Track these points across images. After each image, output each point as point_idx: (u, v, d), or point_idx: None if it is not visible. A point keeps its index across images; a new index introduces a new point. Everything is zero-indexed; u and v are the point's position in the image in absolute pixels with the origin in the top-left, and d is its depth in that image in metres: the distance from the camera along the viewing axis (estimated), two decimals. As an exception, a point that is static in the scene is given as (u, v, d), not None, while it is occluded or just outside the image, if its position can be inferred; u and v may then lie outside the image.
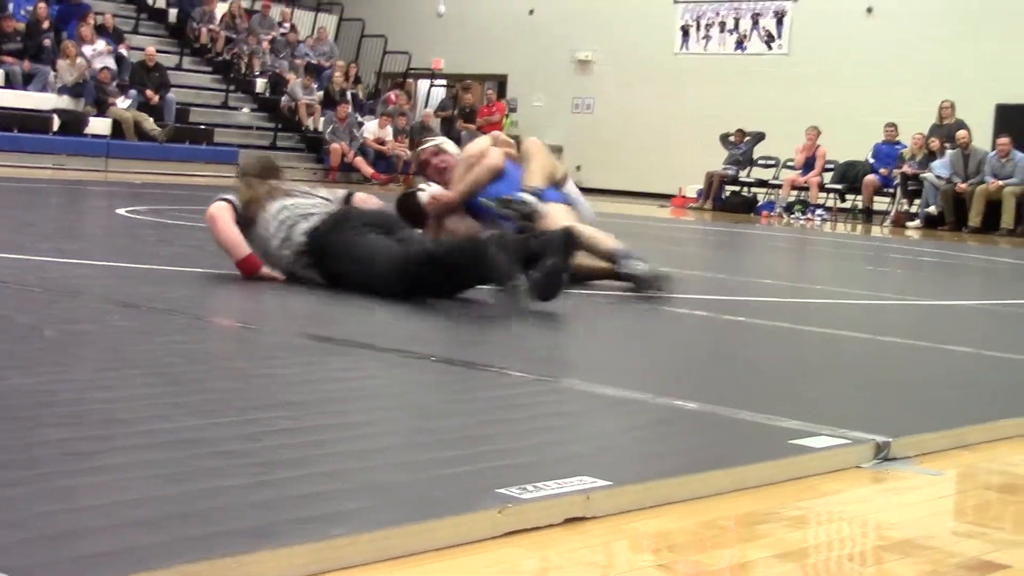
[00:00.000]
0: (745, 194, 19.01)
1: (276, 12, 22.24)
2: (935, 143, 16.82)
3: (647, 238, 10.79)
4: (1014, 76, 18.01)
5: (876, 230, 15.97)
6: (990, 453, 2.84)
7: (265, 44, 21.10)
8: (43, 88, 17.10)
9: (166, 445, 2.21)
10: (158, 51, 19.06)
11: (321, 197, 4.97)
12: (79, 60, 17.23)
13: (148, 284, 4.74)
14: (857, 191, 17.81)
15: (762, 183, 18.83)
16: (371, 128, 19.79)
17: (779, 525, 2.12)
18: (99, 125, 17.09)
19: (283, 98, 20.18)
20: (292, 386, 2.94)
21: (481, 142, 5.99)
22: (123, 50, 18.67)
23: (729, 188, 19.08)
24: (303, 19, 23.41)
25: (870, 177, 17.53)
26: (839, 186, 18.04)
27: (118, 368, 3.01)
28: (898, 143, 17.65)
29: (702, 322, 4.96)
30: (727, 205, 18.57)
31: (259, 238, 4.80)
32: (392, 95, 21.27)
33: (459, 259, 4.44)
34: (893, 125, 17.69)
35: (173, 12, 21.45)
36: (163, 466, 2.07)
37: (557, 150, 22.79)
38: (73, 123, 16.88)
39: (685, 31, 21.96)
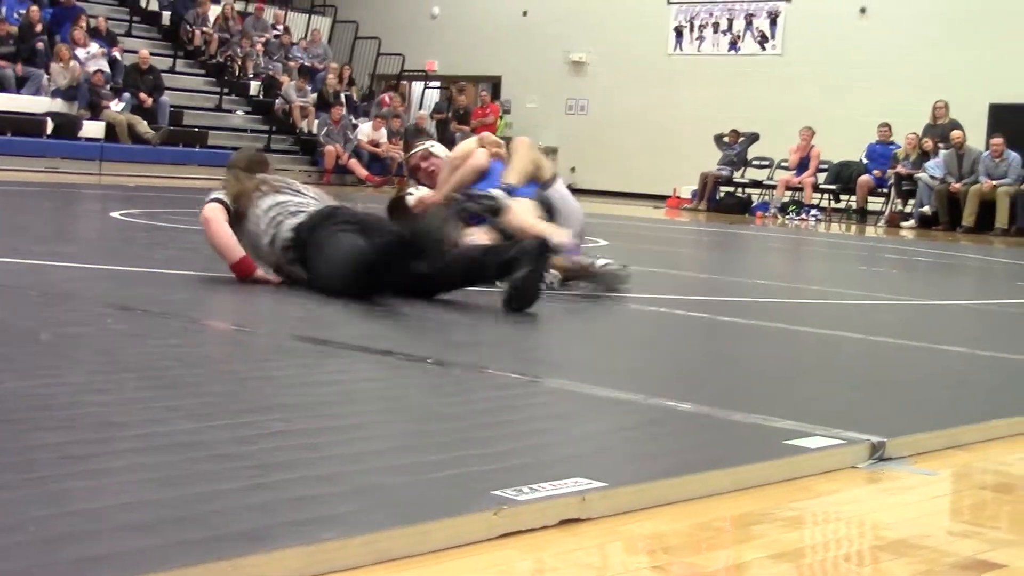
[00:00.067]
0: (739, 195, 19.01)
1: (269, 14, 22.23)
2: (928, 143, 16.83)
3: (642, 239, 10.79)
4: (1008, 76, 18.04)
5: (870, 230, 15.98)
6: (985, 453, 2.84)
7: (259, 46, 21.08)
8: (36, 91, 17.08)
9: (161, 448, 2.21)
10: (151, 54, 19.04)
11: (311, 196, 4.98)
12: (72, 63, 17.20)
13: (142, 287, 4.74)
14: (851, 191, 17.83)
15: (756, 184, 18.84)
16: (365, 130, 19.78)
17: (774, 526, 2.12)
18: (93, 128, 17.07)
19: (277, 100, 20.17)
20: (287, 389, 2.94)
21: (467, 144, 6.01)
22: (116, 53, 18.65)
23: (723, 189, 19.09)
24: (297, 21, 23.40)
25: (864, 177, 17.55)
26: (833, 186, 18.06)
27: (113, 371, 3.01)
28: (892, 143, 17.67)
29: (696, 323, 4.96)
30: (721, 206, 18.58)
31: (249, 233, 4.81)
32: (386, 97, 21.26)
33: (424, 242, 4.45)
34: (887, 125, 17.70)
35: (166, 15, 21.43)
36: (158, 469, 2.07)
37: (551, 151, 22.81)
38: (67, 126, 16.86)
39: (679, 32, 21.97)
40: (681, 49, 21.95)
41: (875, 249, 12.11)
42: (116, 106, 17.45)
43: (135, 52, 18.87)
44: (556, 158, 22.88)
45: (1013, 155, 16.01)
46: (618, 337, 4.47)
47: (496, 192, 5.46)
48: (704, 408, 2.90)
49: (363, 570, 1.73)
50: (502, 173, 5.61)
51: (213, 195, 4.86)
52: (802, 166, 18.09)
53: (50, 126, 16.74)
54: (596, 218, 12.96)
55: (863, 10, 19.97)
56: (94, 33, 18.45)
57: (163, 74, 18.95)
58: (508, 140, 6.00)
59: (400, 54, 22.81)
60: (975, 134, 17.05)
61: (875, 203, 17.66)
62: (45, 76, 17.19)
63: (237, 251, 4.74)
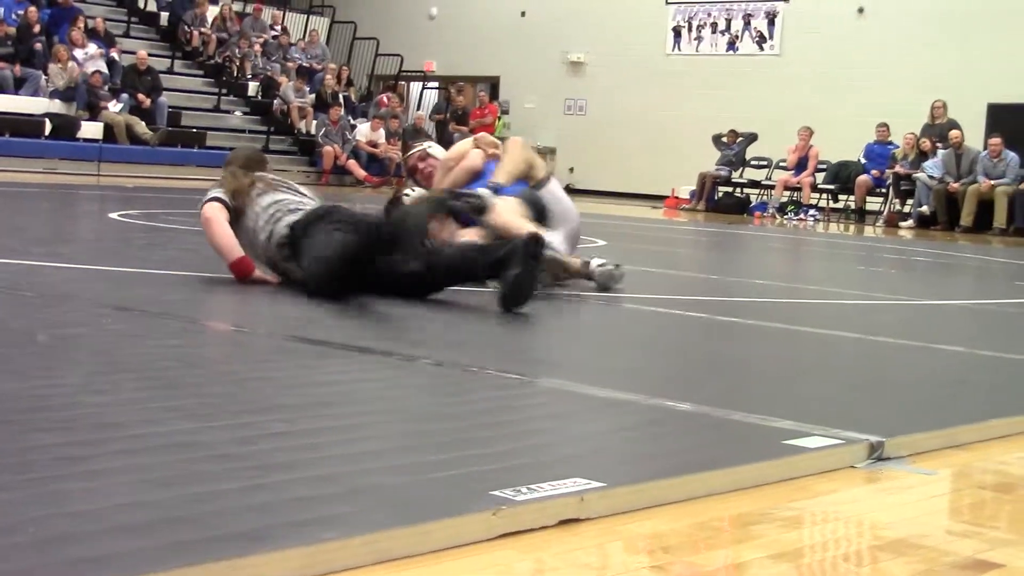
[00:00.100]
0: (738, 195, 19.02)
1: (267, 15, 22.24)
2: (926, 143, 16.84)
3: (640, 240, 10.80)
4: (1006, 75, 18.05)
5: (869, 230, 15.98)
6: (983, 452, 2.84)
7: (257, 47, 21.08)
8: (35, 92, 17.07)
9: (159, 449, 2.21)
10: (150, 55, 19.05)
11: (308, 197, 5.01)
12: (70, 64, 17.20)
13: (140, 288, 4.73)
14: (850, 191, 17.84)
15: (755, 184, 18.84)
16: (363, 131, 19.79)
17: (773, 526, 2.12)
18: (91, 129, 17.07)
19: (275, 101, 20.17)
20: (285, 389, 2.94)
21: (462, 144, 6.04)
22: (114, 54, 18.65)
23: (722, 189, 19.09)
24: (295, 22, 23.41)
25: (863, 177, 17.55)
26: (832, 186, 18.06)
27: (111, 372, 3.00)
28: (890, 143, 17.67)
29: (695, 323, 4.96)
30: (720, 206, 18.58)
31: (247, 230, 4.82)
32: (384, 97, 21.27)
33: (401, 229, 4.46)
34: (885, 125, 17.71)
35: (164, 15, 21.43)
36: (156, 470, 2.06)
37: (550, 151, 22.82)
38: (65, 127, 16.86)
39: (677, 32, 21.98)
40: (679, 49, 21.96)
41: (873, 249, 12.11)
42: (114, 107, 17.44)
43: (133, 53, 18.87)
44: (554, 158, 22.91)
45: (1011, 155, 16.02)
46: (617, 337, 4.47)
47: (482, 191, 5.47)
48: (703, 408, 2.90)
49: (362, 570, 1.73)
50: (493, 172, 5.63)
51: (211, 194, 4.86)
52: (800, 166, 18.10)
53: (48, 127, 16.74)
54: (594, 218, 12.97)
55: (861, 10, 19.99)
56: (92, 34, 18.45)
57: (161, 75, 18.96)
58: (506, 140, 6.01)
59: (398, 55, 22.82)
60: (973, 134, 17.07)
61: (873, 203, 17.67)
62: (43, 77, 17.19)
63: (237, 251, 4.74)
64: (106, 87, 17.60)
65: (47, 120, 16.77)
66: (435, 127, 21.93)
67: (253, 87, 20.67)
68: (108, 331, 3.68)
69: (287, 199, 4.88)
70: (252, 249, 4.80)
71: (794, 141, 18.23)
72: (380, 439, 2.49)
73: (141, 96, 17.89)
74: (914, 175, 16.70)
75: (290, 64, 21.18)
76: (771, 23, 21.02)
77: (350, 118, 20.23)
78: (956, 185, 16.11)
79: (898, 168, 17.00)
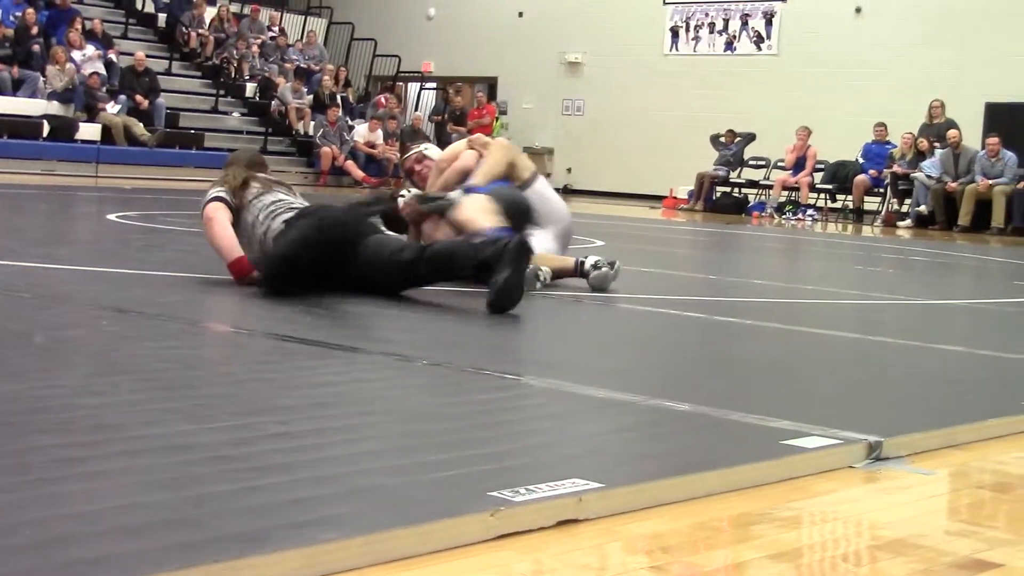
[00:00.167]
0: (736, 195, 19.02)
1: (265, 16, 22.22)
2: (924, 143, 16.84)
3: (638, 240, 10.80)
4: (1003, 75, 18.06)
5: (867, 230, 15.98)
6: (982, 452, 2.84)
7: (254, 48, 21.07)
8: (33, 94, 17.07)
9: (156, 451, 2.20)
10: (147, 56, 19.03)
11: (303, 201, 5.06)
12: (68, 66, 17.19)
13: (138, 289, 4.73)
14: (848, 191, 17.84)
15: (753, 184, 18.85)
16: (361, 132, 19.79)
17: (772, 526, 2.12)
18: (89, 130, 17.06)
19: (273, 102, 20.17)
20: (284, 390, 2.94)
21: (455, 146, 6.05)
22: (112, 55, 18.64)
23: (720, 189, 19.09)
24: (292, 23, 23.41)
25: (861, 177, 17.56)
26: (830, 186, 18.06)
27: (109, 374, 3.00)
28: (888, 143, 17.67)
29: (693, 323, 4.96)
30: (718, 206, 18.58)
31: (246, 225, 4.87)
32: (382, 98, 21.27)
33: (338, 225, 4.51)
34: (883, 125, 17.71)
35: (162, 17, 21.42)
36: (153, 472, 2.06)
37: (547, 152, 22.83)
38: (63, 129, 16.85)
39: (675, 32, 21.98)
40: (677, 49, 21.96)
41: (871, 249, 12.12)
42: (112, 108, 17.43)
43: (131, 54, 18.86)
44: (552, 159, 22.92)
45: (1009, 154, 16.02)
46: (615, 337, 4.47)
47: (453, 194, 5.50)
48: (701, 408, 2.90)
49: (361, 571, 1.73)
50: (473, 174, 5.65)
51: (213, 193, 4.89)
52: (798, 166, 18.10)
53: (46, 128, 16.73)
54: (592, 218, 12.97)
55: (858, 10, 19.99)
56: (90, 35, 18.45)
57: (159, 76, 18.95)
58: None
59: (396, 55, 22.82)
60: (971, 133, 17.07)
61: (871, 203, 17.67)
62: (41, 79, 17.17)
63: (236, 251, 4.76)
64: (104, 89, 17.60)
65: (45, 122, 16.76)
66: (434, 128, 21.93)
67: (251, 88, 20.66)
68: (106, 333, 3.68)
69: (285, 199, 4.93)
70: (250, 247, 4.82)
71: (792, 141, 18.23)
72: (378, 440, 2.49)
73: (139, 97, 17.88)
74: (912, 175, 16.70)
75: (288, 65, 21.18)
76: (769, 23, 21.03)
77: (348, 119, 20.22)
78: (954, 185, 16.11)
79: (896, 168, 17.00)
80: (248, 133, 19.94)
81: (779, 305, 5.87)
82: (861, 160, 17.84)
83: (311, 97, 20.52)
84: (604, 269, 5.40)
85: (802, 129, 18.16)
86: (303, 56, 21.81)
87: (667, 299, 5.69)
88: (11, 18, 17.98)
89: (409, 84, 24.22)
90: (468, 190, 5.53)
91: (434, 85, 23.96)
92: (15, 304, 4.10)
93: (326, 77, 20.83)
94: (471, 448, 2.38)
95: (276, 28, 22.22)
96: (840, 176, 17.97)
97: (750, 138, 18.98)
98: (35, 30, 17.73)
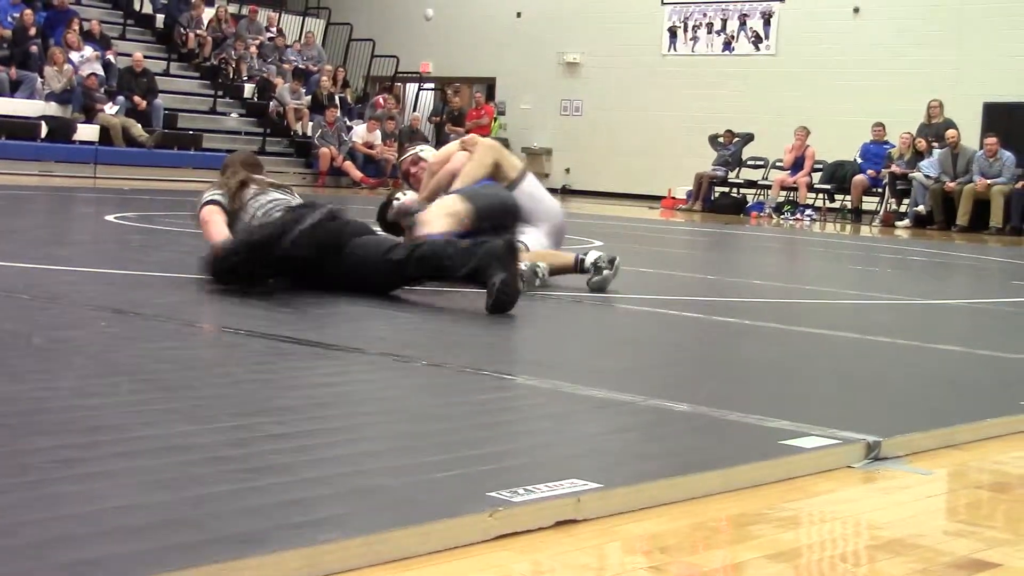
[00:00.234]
0: (734, 195, 19.02)
1: (263, 17, 22.21)
2: (922, 143, 16.85)
3: (637, 240, 10.80)
4: (1002, 75, 18.07)
5: (865, 230, 15.99)
6: (980, 452, 2.84)
7: (253, 49, 21.07)
8: (31, 95, 17.06)
9: (154, 452, 2.20)
10: (145, 57, 19.02)
11: (298, 198, 5.08)
12: (66, 66, 17.19)
13: (136, 290, 4.73)
14: (846, 191, 17.84)
15: (751, 184, 18.86)
16: (360, 132, 19.78)
17: (770, 526, 2.12)
18: (87, 131, 17.04)
19: (271, 103, 20.16)
20: (282, 391, 2.94)
21: (448, 147, 6.07)
22: (110, 56, 18.63)
23: (718, 189, 19.09)
24: (290, 24, 23.40)
25: (859, 177, 17.56)
26: (828, 186, 18.07)
27: (107, 375, 3.00)
28: (886, 143, 17.68)
29: (692, 323, 4.96)
30: (716, 206, 18.58)
31: (244, 224, 4.87)
32: (380, 99, 21.26)
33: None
34: (881, 125, 17.72)
35: (160, 18, 21.41)
36: (151, 473, 2.06)
37: (546, 152, 22.83)
38: (61, 129, 16.84)
39: (673, 32, 21.98)
40: (675, 50, 21.96)
41: (870, 249, 12.12)
42: (110, 109, 17.42)
43: (129, 55, 18.86)
44: (551, 159, 22.93)
45: (1007, 154, 16.02)
46: (613, 338, 4.47)
47: (417, 205, 5.56)
48: (700, 408, 2.90)
49: (359, 572, 1.73)
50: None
51: (208, 196, 4.92)
52: (797, 166, 18.10)
53: (44, 129, 16.72)
54: (591, 219, 12.97)
55: (856, 10, 19.99)
56: (88, 36, 18.43)
57: (157, 77, 18.94)
58: (504, 141, 6.03)
59: (394, 56, 22.81)
60: (969, 133, 17.07)
61: (870, 203, 17.67)
62: (39, 79, 17.17)
63: None
64: (102, 89, 17.59)
65: (43, 123, 16.75)
66: (433, 129, 21.93)
67: (249, 89, 20.65)
68: (105, 334, 3.68)
69: (282, 198, 4.95)
70: None
71: (790, 141, 18.23)
72: (378, 440, 2.49)
73: (137, 98, 17.87)
74: (910, 175, 16.70)
75: (286, 66, 21.17)
76: (767, 23, 21.03)
77: (346, 119, 20.22)
78: (952, 184, 16.12)
79: (894, 168, 17.01)
80: (246, 134, 19.94)
81: (777, 305, 5.87)
82: (859, 160, 17.84)
83: (309, 98, 20.51)
84: (605, 272, 5.40)
85: (800, 129, 18.17)
86: (301, 57, 21.81)
87: (666, 299, 5.69)
88: (9, 19, 17.97)
89: (407, 84, 24.21)
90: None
91: (432, 85, 23.96)
92: (14, 305, 4.10)
93: (324, 78, 20.82)
94: (470, 448, 2.38)
95: (274, 29, 22.21)
96: (838, 176, 17.98)
97: (748, 138, 18.98)
98: (33, 31, 17.73)
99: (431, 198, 5.66)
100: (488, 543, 1.89)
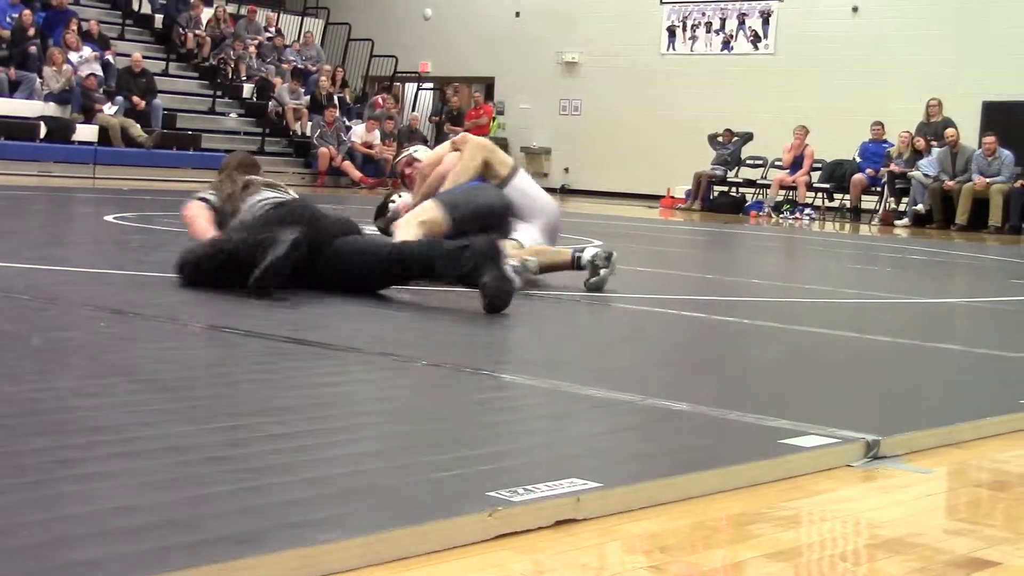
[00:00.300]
0: (733, 194, 19.02)
1: (262, 17, 22.20)
2: (921, 142, 16.85)
3: (636, 239, 10.79)
4: (1000, 73, 18.06)
5: (864, 229, 15.99)
6: (980, 450, 2.84)
7: (251, 49, 21.06)
8: (29, 95, 17.05)
9: (153, 452, 2.20)
10: (144, 57, 19.02)
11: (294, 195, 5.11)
12: (65, 67, 17.18)
13: (135, 290, 4.73)
14: (845, 190, 17.84)
15: (750, 183, 18.86)
16: (359, 132, 19.78)
17: (770, 525, 2.11)
18: (86, 132, 17.04)
19: (270, 103, 20.16)
20: (280, 391, 2.94)
21: (439, 149, 6.07)
22: (109, 56, 18.62)
23: (717, 188, 19.09)
24: (289, 23, 23.39)
25: (858, 176, 17.56)
26: (827, 185, 18.07)
27: (105, 375, 3.00)
28: (885, 142, 17.68)
29: (691, 322, 4.96)
30: (715, 205, 18.58)
31: (235, 224, 4.91)
32: (379, 99, 21.25)
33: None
34: (880, 124, 17.72)
35: (159, 18, 21.40)
36: (150, 473, 2.06)
37: (544, 152, 22.83)
38: (60, 130, 16.83)
39: (671, 32, 21.98)
40: (674, 49, 21.96)
41: (869, 248, 12.12)
42: (109, 109, 17.42)
43: (128, 55, 18.85)
44: (550, 159, 22.93)
45: (1006, 153, 16.03)
46: (612, 337, 4.47)
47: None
48: (699, 408, 2.90)
49: (359, 571, 1.73)
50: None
51: (198, 195, 4.98)
52: (796, 165, 18.10)
53: (43, 130, 16.71)
54: (590, 218, 12.97)
55: (855, 9, 19.99)
56: (86, 36, 18.43)
57: (156, 77, 18.93)
58: (501, 141, 6.03)
59: (393, 56, 22.81)
60: (968, 132, 17.08)
61: (869, 202, 17.68)
62: (38, 80, 17.16)
63: None
64: (101, 90, 17.58)
65: (42, 123, 16.75)
66: (433, 129, 21.92)
67: (248, 89, 20.65)
68: (102, 334, 3.67)
69: (275, 196, 4.99)
70: None
71: (789, 140, 18.23)
72: (376, 440, 2.48)
73: (136, 98, 17.87)
74: (909, 173, 16.70)
75: (285, 66, 21.17)
76: (765, 22, 21.03)
77: (345, 119, 20.22)
78: (951, 183, 16.12)
79: (893, 167, 17.01)
80: (245, 134, 19.93)
81: (777, 304, 5.87)
82: (858, 159, 17.85)
83: (308, 98, 20.51)
84: (602, 272, 5.38)
85: (799, 128, 18.17)
86: (300, 57, 21.81)
87: (665, 298, 5.69)
88: (8, 19, 17.97)
89: (406, 84, 24.21)
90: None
91: (431, 85, 23.95)
92: (12, 306, 4.10)
93: (323, 78, 20.82)
94: (469, 448, 2.38)
95: (273, 29, 22.20)
96: (837, 175, 17.98)
97: (747, 137, 18.98)
98: (32, 31, 17.72)
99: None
100: (487, 543, 1.89)
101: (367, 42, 23.16)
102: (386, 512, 1.91)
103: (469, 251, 4.43)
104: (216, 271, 4.59)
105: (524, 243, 5.48)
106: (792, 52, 20.50)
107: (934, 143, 16.76)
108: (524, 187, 5.79)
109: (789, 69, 20.40)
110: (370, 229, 6.10)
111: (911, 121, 17.32)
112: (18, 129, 16.55)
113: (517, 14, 23.43)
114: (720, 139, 19.11)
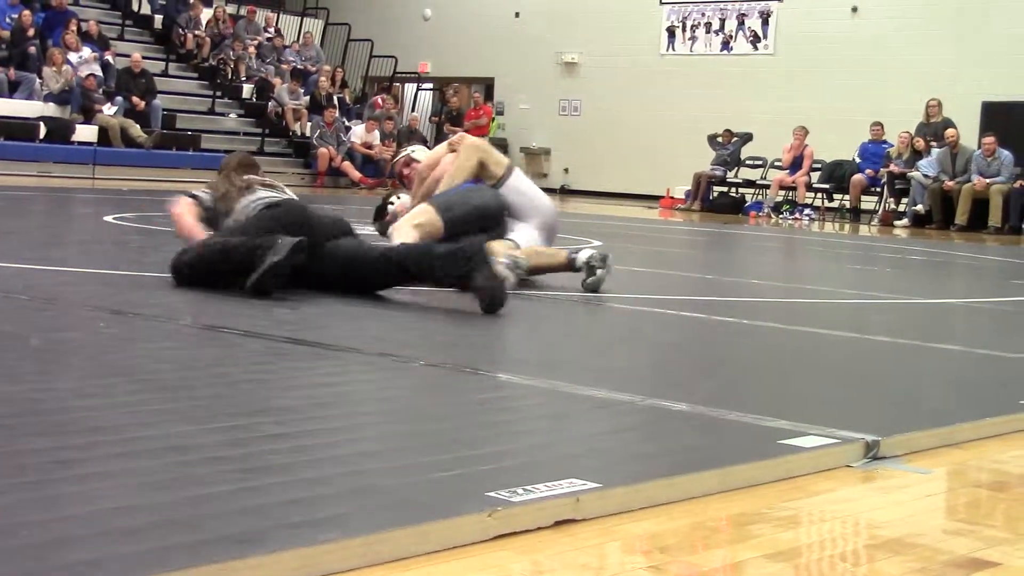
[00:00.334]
0: (733, 195, 19.02)
1: (261, 17, 22.19)
2: (920, 142, 16.85)
3: (635, 240, 10.79)
4: (1000, 74, 18.06)
5: (864, 229, 15.99)
6: (979, 451, 2.84)
7: (251, 49, 21.06)
8: (29, 96, 17.05)
9: (152, 452, 2.20)
10: (144, 57, 19.01)
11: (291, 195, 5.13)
12: (65, 67, 17.17)
13: (134, 291, 4.73)
14: (845, 190, 17.84)
15: (750, 183, 18.85)
16: (358, 132, 19.77)
17: (769, 525, 2.11)
18: (86, 132, 17.03)
19: (270, 103, 20.15)
20: (279, 391, 2.94)
21: (436, 150, 6.06)
22: (109, 57, 18.61)
23: (717, 189, 19.09)
24: (289, 24, 23.38)
25: (857, 176, 17.56)
26: (827, 186, 18.07)
27: (104, 375, 3.00)
28: (885, 142, 17.68)
29: (690, 323, 4.96)
30: (715, 206, 18.58)
31: (229, 224, 4.92)
32: (379, 99, 21.25)
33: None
34: (880, 124, 17.72)
35: (158, 18, 21.39)
36: (149, 473, 2.06)
37: (544, 152, 22.83)
38: (60, 130, 16.83)
39: (671, 32, 21.98)
40: (673, 49, 21.96)
41: (869, 248, 12.12)
42: (109, 110, 17.41)
43: (127, 56, 18.84)
44: (549, 159, 22.93)
45: (1005, 153, 16.03)
46: (612, 337, 4.47)
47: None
48: (698, 408, 2.90)
49: (358, 571, 1.73)
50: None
51: (189, 192, 5.03)
52: (795, 165, 18.09)
53: (43, 130, 16.70)
54: (589, 219, 12.97)
55: (855, 9, 19.99)
56: (86, 37, 18.42)
57: (155, 77, 18.93)
58: (501, 141, 6.04)
59: (393, 56, 22.80)
60: (968, 132, 17.07)
61: (868, 202, 17.67)
62: (37, 80, 17.15)
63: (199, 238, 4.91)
64: (100, 90, 17.58)
65: (41, 123, 16.74)
66: (433, 129, 21.91)
67: (247, 89, 20.64)
68: (102, 334, 3.67)
69: (271, 196, 5.01)
70: None
71: (789, 140, 18.22)
72: (376, 440, 2.48)
73: (135, 99, 17.86)
74: (909, 174, 16.70)
75: (284, 66, 21.16)
76: (765, 23, 21.03)
77: (345, 120, 20.21)
78: (951, 184, 16.12)
79: (893, 167, 17.01)
80: (245, 134, 19.93)
81: (776, 305, 5.87)
82: (858, 159, 17.84)
83: (308, 98, 20.50)
84: (599, 272, 5.38)
85: (799, 129, 18.17)
86: (300, 57, 21.80)
87: (664, 299, 5.69)
88: (7, 20, 17.96)
89: (406, 85, 24.21)
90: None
91: (431, 86, 23.95)
92: (12, 306, 4.10)
93: (323, 78, 20.81)
94: (468, 448, 2.38)
95: (272, 29, 22.20)
96: (837, 175, 17.98)
97: (747, 138, 18.98)
98: (31, 32, 17.71)
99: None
100: (487, 543, 1.89)
101: (367, 42, 23.16)
102: (386, 512, 1.91)
103: (461, 254, 4.44)
104: (209, 272, 4.59)
105: (521, 243, 5.48)
106: (791, 52, 20.50)
107: (934, 143, 16.75)
108: (520, 186, 5.78)
109: (788, 69, 20.40)
110: (368, 230, 6.11)
111: (911, 121, 17.32)
112: (18, 129, 16.54)
113: (517, 14, 23.42)
114: (720, 139, 19.11)
